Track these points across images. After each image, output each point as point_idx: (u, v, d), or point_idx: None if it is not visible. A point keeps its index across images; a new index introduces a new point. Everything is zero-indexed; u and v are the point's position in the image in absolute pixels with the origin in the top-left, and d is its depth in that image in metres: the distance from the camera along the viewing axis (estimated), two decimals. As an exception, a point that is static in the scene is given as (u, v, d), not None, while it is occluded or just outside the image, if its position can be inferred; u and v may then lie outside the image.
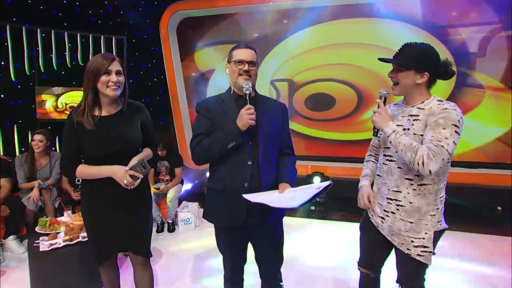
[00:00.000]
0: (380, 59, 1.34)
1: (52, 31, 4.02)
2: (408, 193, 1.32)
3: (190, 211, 3.38)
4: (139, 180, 1.42)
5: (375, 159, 1.58)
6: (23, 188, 2.89)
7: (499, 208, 3.84)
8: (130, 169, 1.41)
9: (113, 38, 4.43)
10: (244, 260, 1.59)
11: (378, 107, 1.34)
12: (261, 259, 1.58)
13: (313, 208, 4.03)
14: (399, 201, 1.34)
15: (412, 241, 1.33)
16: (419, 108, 1.31)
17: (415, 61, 1.26)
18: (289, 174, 1.47)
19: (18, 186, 2.89)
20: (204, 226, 3.47)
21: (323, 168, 4.37)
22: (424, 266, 1.36)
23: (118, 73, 1.43)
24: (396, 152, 1.31)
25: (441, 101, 1.28)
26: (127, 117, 1.51)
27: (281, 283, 1.63)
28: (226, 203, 1.42)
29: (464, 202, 3.94)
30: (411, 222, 1.33)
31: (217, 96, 1.51)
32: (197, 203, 3.66)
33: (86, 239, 2.14)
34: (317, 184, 1.37)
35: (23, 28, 3.81)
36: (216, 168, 1.46)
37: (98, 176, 1.44)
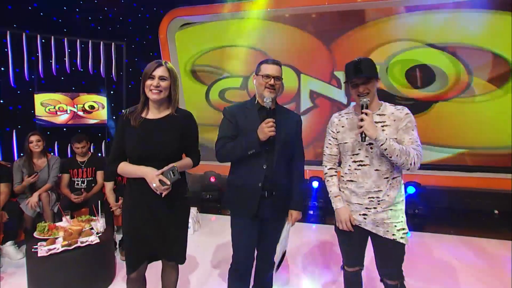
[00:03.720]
0: (355, 76, 1.46)
1: (52, 37, 4.06)
2: (387, 188, 1.50)
3: (189, 216, 3.38)
4: (167, 186, 1.43)
5: (336, 171, 1.67)
6: (16, 191, 2.88)
7: (496, 211, 3.86)
8: (161, 174, 1.45)
9: (113, 44, 4.47)
10: (252, 252, 1.72)
11: (366, 115, 1.40)
12: (263, 244, 1.75)
13: (311, 212, 4.04)
14: (379, 197, 1.51)
15: (395, 226, 1.50)
16: (379, 115, 1.50)
17: (374, 70, 1.48)
18: (298, 192, 1.71)
19: (13, 190, 2.89)
20: (203, 231, 3.47)
21: (322, 172, 4.39)
22: (403, 249, 1.54)
23: (161, 78, 1.50)
24: (390, 157, 1.41)
25: (393, 105, 1.53)
26: (171, 124, 1.55)
27: (274, 261, 1.83)
28: (242, 197, 1.63)
29: (461, 205, 3.97)
30: (391, 209, 1.50)
31: (242, 103, 1.70)
32: (196, 208, 3.66)
33: (85, 244, 2.15)
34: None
35: (23, 34, 3.84)
36: (236, 167, 1.67)
37: (134, 175, 1.51)
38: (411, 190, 3.85)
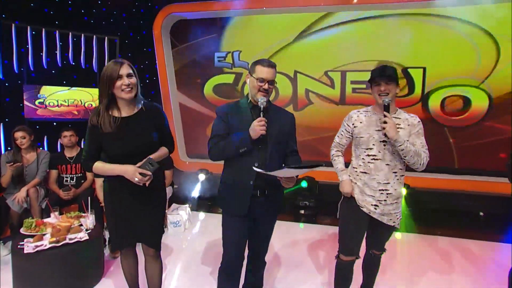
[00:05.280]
0: (383, 76, 1.65)
1: (43, 29, 3.97)
2: (394, 182, 1.73)
3: (180, 214, 3.36)
4: (148, 177, 1.51)
5: (341, 154, 1.91)
6: (3, 183, 2.81)
7: (481, 213, 3.96)
8: (139, 167, 1.51)
9: (106, 38, 4.39)
10: (243, 251, 1.72)
11: (386, 116, 1.60)
12: (254, 243, 1.79)
13: (302, 212, 4.06)
14: (388, 190, 1.72)
15: (396, 215, 1.79)
16: (395, 117, 1.71)
17: (396, 75, 1.67)
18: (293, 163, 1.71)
19: (0, 182, 2.82)
20: (193, 229, 3.46)
21: (313, 172, 4.42)
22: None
23: (129, 75, 1.53)
24: (405, 156, 1.64)
25: (406, 112, 1.76)
26: (144, 118, 1.61)
27: (264, 261, 1.88)
28: (234, 195, 1.65)
29: (449, 207, 4.05)
30: (396, 203, 1.76)
31: (235, 102, 1.73)
32: (187, 205, 3.64)
33: (73, 240, 2.12)
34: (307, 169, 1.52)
35: (13, 25, 3.75)
36: (229, 165, 1.69)
37: (112, 173, 1.56)
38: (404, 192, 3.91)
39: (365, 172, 1.74)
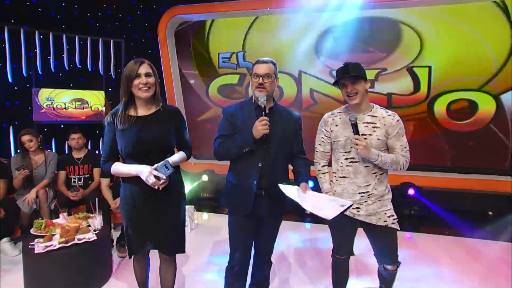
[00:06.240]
0: (346, 76, 1.57)
1: (51, 33, 4.04)
2: (375, 183, 1.66)
3: (186, 214, 3.38)
4: (163, 181, 1.48)
5: (327, 168, 1.79)
6: (15, 185, 2.87)
7: (490, 213, 3.90)
8: (155, 169, 1.48)
9: (111, 41, 4.45)
10: (249, 251, 1.74)
11: (357, 139, 1.55)
12: (259, 242, 1.79)
13: (308, 212, 4.05)
14: (369, 191, 1.65)
15: (385, 213, 1.66)
16: (371, 116, 1.64)
17: (361, 71, 1.58)
18: (304, 174, 1.70)
19: (13, 186, 2.88)
20: (200, 230, 3.48)
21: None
22: (396, 234, 1.69)
23: (147, 75, 1.52)
24: (382, 167, 1.60)
25: (383, 108, 1.67)
26: (161, 119, 1.60)
27: (270, 260, 1.88)
28: (238, 194, 1.66)
29: (457, 206, 4.00)
30: (379, 200, 1.66)
31: (241, 102, 1.74)
32: (193, 206, 3.66)
33: (82, 241, 2.15)
34: (340, 201, 1.53)
35: (21, 30, 3.82)
36: (234, 165, 1.70)
37: (128, 174, 1.54)
38: (411, 191, 3.86)
39: (344, 177, 1.68)
